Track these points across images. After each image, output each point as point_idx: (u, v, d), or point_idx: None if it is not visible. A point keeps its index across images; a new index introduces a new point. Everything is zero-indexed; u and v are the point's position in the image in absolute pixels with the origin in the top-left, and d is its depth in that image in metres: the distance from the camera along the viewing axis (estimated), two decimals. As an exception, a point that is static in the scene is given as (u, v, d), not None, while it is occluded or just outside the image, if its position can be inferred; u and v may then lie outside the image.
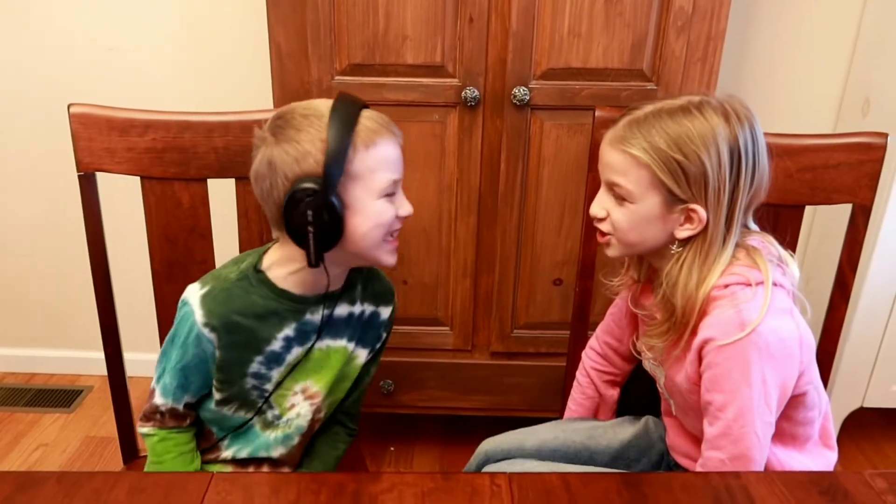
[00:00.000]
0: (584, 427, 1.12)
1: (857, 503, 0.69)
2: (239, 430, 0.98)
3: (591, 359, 1.17)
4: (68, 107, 1.05)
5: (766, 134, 1.08)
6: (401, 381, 1.67)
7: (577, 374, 1.20)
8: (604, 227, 0.94)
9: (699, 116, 0.86)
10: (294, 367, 0.95)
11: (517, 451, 1.09)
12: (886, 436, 1.87)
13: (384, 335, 1.03)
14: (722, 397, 0.86)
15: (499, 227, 1.53)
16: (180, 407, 0.95)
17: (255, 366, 0.93)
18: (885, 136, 1.02)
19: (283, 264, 0.91)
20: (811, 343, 0.90)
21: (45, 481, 0.71)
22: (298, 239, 0.85)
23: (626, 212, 0.90)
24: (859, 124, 1.66)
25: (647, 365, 1.03)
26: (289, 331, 0.92)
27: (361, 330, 0.99)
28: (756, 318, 0.84)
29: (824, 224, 1.79)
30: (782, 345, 0.85)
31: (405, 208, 0.89)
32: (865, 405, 1.76)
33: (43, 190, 1.87)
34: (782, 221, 1.09)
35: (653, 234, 0.91)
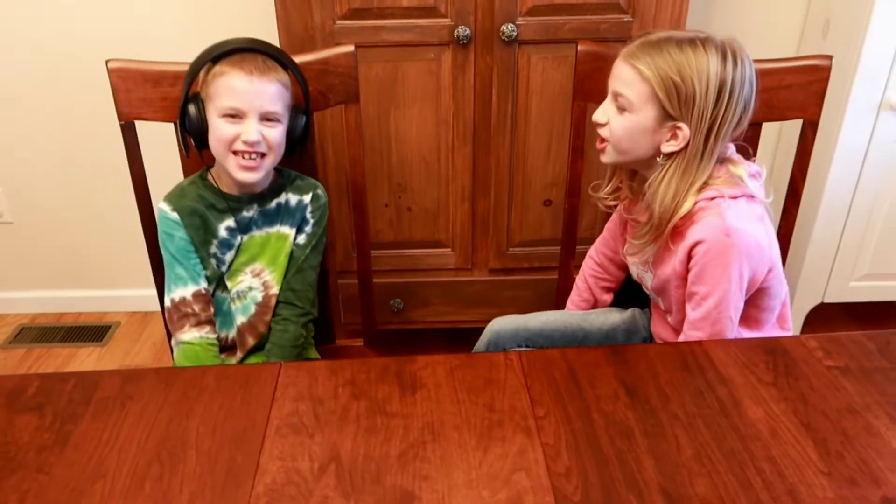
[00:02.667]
0: (579, 312, 1.31)
1: (794, 357, 0.87)
2: (220, 308, 1.21)
3: (590, 267, 1.34)
4: (106, 62, 1.16)
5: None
6: (409, 299, 1.83)
7: (577, 279, 1.37)
8: (603, 132, 1.09)
9: (701, 50, 1.00)
10: (242, 251, 1.20)
11: (523, 329, 1.26)
12: (845, 327, 2.08)
13: (309, 217, 1.22)
14: (705, 288, 1.03)
15: (493, 154, 1.66)
16: (190, 293, 1.16)
17: (214, 248, 1.18)
18: (830, 58, 1.17)
19: (219, 172, 1.18)
20: (777, 246, 1.08)
21: (145, 376, 0.86)
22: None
23: (624, 121, 1.05)
24: (820, 46, 1.78)
25: (635, 271, 1.20)
26: (230, 222, 1.17)
27: (289, 216, 1.21)
28: (737, 225, 1.00)
29: (789, 142, 1.94)
30: (758, 248, 1.03)
31: (246, 134, 1.08)
32: (826, 301, 1.96)
33: (70, 140, 1.96)
34: (745, 138, 1.23)
35: (642, 144, 1.06)
